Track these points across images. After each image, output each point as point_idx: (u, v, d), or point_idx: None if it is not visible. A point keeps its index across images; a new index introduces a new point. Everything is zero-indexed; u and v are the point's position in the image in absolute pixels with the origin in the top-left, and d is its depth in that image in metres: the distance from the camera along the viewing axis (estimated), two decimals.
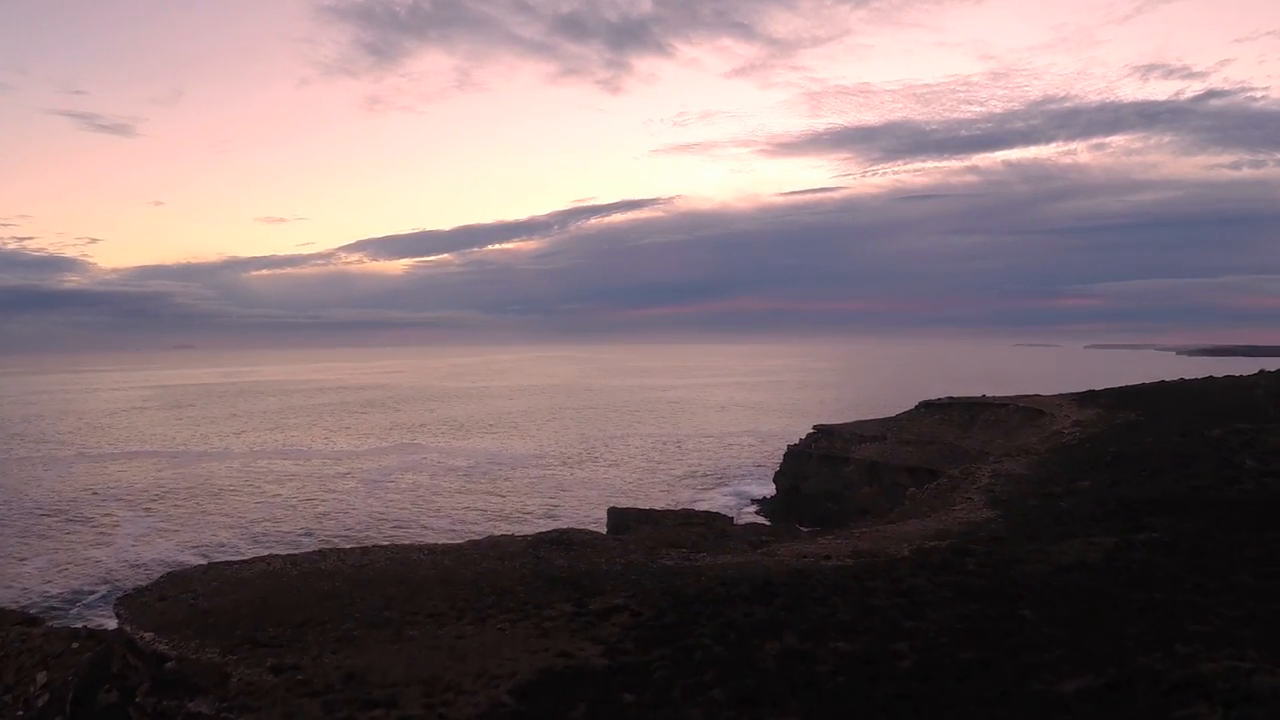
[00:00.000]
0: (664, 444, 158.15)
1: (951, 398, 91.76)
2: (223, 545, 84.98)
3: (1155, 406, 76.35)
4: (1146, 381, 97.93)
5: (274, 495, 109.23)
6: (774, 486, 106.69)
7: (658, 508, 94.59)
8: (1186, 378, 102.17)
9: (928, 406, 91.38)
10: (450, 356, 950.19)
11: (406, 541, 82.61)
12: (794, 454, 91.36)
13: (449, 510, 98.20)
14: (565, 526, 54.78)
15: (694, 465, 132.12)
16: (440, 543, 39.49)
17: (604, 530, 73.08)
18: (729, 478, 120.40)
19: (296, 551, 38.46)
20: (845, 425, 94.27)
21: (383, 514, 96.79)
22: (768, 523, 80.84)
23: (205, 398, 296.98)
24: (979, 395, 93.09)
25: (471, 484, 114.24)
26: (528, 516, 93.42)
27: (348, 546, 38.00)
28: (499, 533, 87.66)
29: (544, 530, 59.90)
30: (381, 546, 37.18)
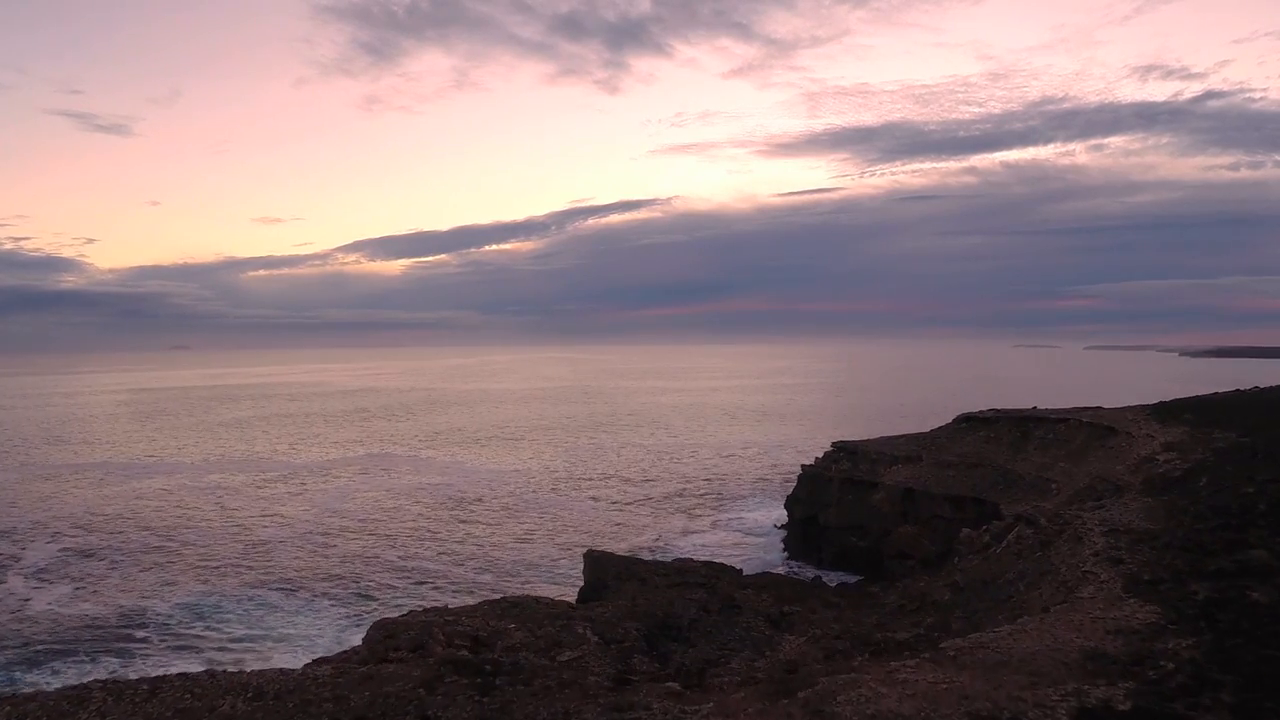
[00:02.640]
0: (659, 456, 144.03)
1: (997, 410, 77.49)
2: (120, 602, 70.74)
3: (1255, 424, 62.29)
4: (1220, 390, 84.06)
5: (211, 520, 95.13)
6: (784, 511, 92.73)
7: (646, 546, 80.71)
8: (1261, 385, 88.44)
9: (969, 420, 77.15)
10: (445, 358, 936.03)
11: (327, 588, 68.07)
12: (810, 477, 77.12)
13: (405, 542, 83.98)
14: (519, 595, 40.87)
15: (691, 483, 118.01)
16: (290, 669, 25.39)
17: (579, 582, 59.11)
18: (731, 498, 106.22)
19: (47, 689, 24.11)
20: (870, 442, 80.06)
21: (325, 546, 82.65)
22: (783, 570, 67.06)
23: (182, 403, 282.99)
24: (1029, 407, 78.94)
25: (438, 508, 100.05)
26: (492, 555, 79.10)
27: (134, 678, 23.87)
28: (453, 578, 73.99)
29: (494, 597, 46.10)
30: (186, 678, 23.09)
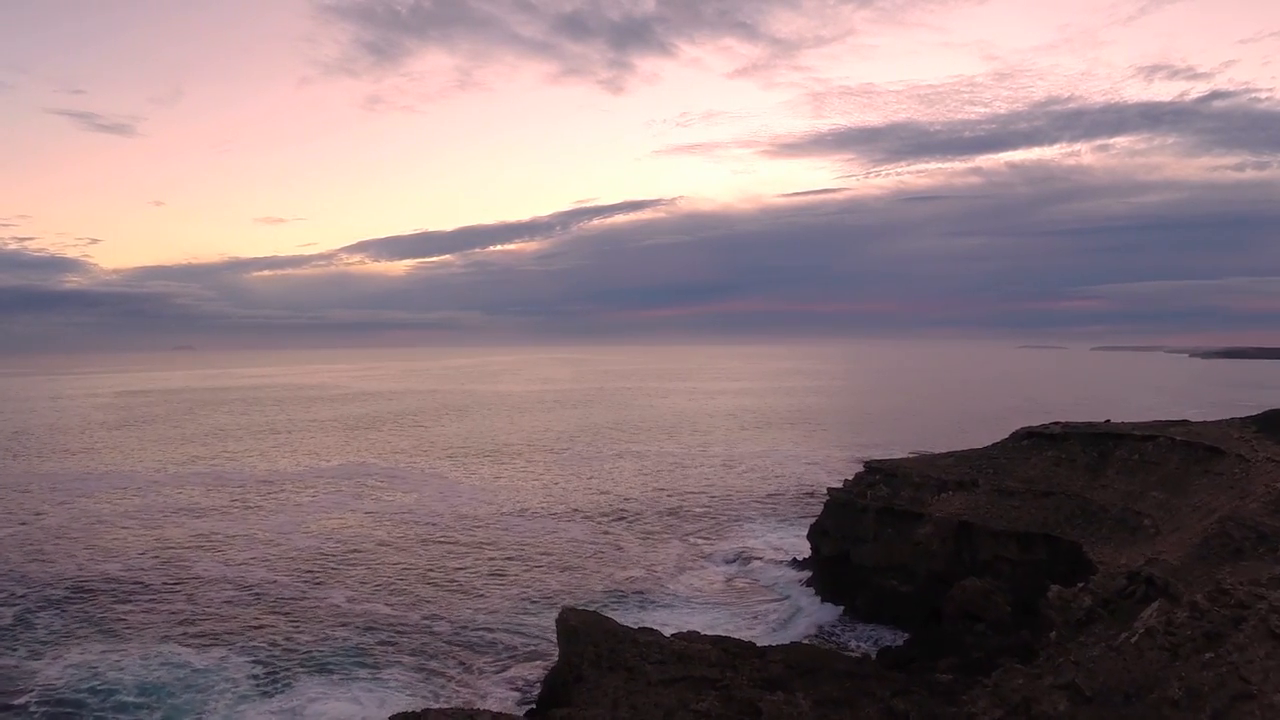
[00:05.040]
0: (657, 469, 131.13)
1: (1065, 424, 64.51)
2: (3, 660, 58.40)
3: None
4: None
5: (144, 548, 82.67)
6: (799, 538, 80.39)
7: (634, 587, 67.08)
8: None
9: (1030, 437, 64.30)
10: (447, 358, 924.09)
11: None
12: (840, 505, 64.20)
13: (356, 578, 71.31)
14: (446, 709, 28.32)
15: (692, 500, 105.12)
16: None
17: (549, 647, 46.65)
18: (738, 521, 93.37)
19: None
20: (911, 462, 67.23)
21: (264, 583, 70.10)
22: (812, 630, 54.35)
23: (168, 408, 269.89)
24: (1102, 420, 66.08)
25: (406, 534, 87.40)
26: (454, 597, 66.12)
27: None
28: (400, 628, 61.00)
29: (411, 710, 33.93)
30: None
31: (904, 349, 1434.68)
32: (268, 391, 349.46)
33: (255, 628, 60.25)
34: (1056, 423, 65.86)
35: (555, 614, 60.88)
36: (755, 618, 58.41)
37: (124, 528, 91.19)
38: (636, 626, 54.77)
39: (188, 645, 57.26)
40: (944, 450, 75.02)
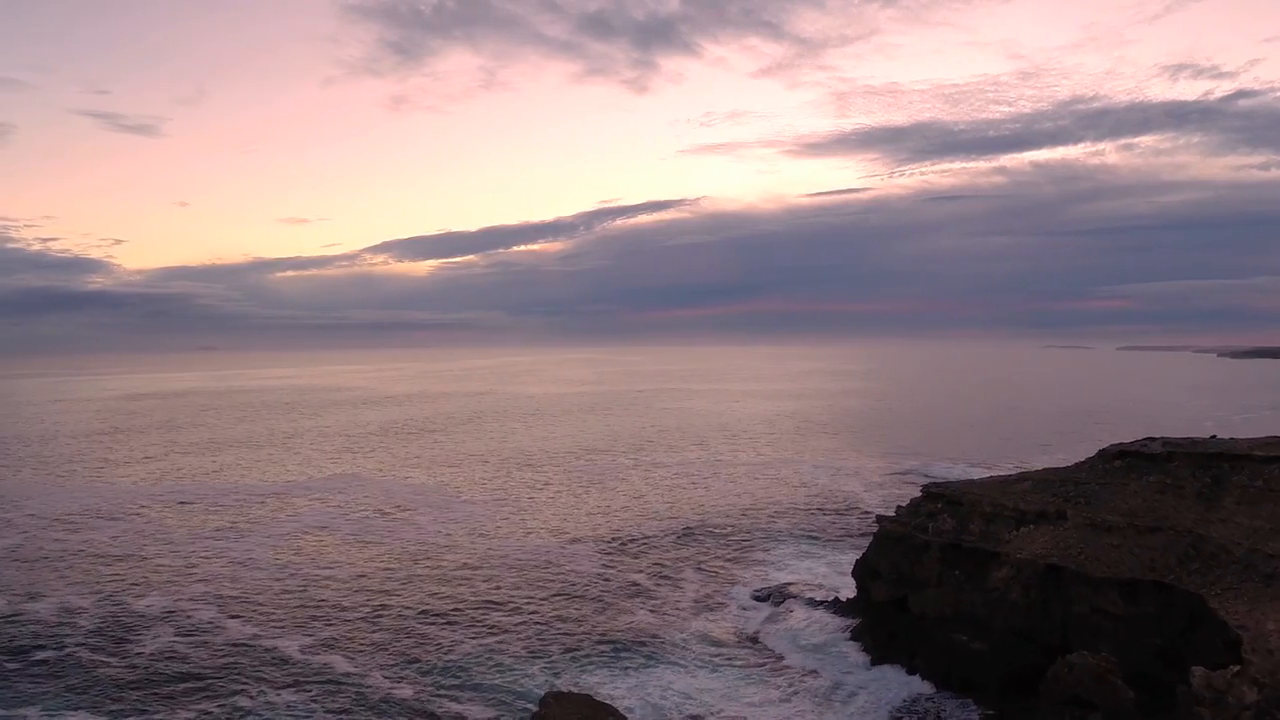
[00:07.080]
0: (678, 482, 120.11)
1: (1166, 441, 53.17)
2: None
3: None
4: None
5: (87, 576, 73.17)
6: (831, 566, 69.71)
7: (638, 636, 55.25)
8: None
9: (1124, 456, 53.05)
10: (468, 359, 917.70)
11: None
12: (894, 539, 53.07)
13: (322, 619, 61.04)
14: None
15: (716, 519, 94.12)
16: None
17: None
18: (767, 545, 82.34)
19: None
20: (978, 486, 55.96)
21: (213, 623, 60.00)
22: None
23: (173, 413, 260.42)
24: (1208, 435, 54.73)
25: (388, 563, 77.00)
26: (429, 646, 55.39)
27: None
28: (360, 688, 50.88)
29: None
30: None
31: (929, 349, 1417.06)
32: (280, 395, 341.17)
33: (186, 683, 50.24)
34: (1152, 438, 54.54)
35: (544, 665, 50.81)
36: (791, 687, 47.35)
37: (77, 553, 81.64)
38: (639, 703, 44.38)
39: (100, 713, 47.32)
40: (987, 456, 63.89)
